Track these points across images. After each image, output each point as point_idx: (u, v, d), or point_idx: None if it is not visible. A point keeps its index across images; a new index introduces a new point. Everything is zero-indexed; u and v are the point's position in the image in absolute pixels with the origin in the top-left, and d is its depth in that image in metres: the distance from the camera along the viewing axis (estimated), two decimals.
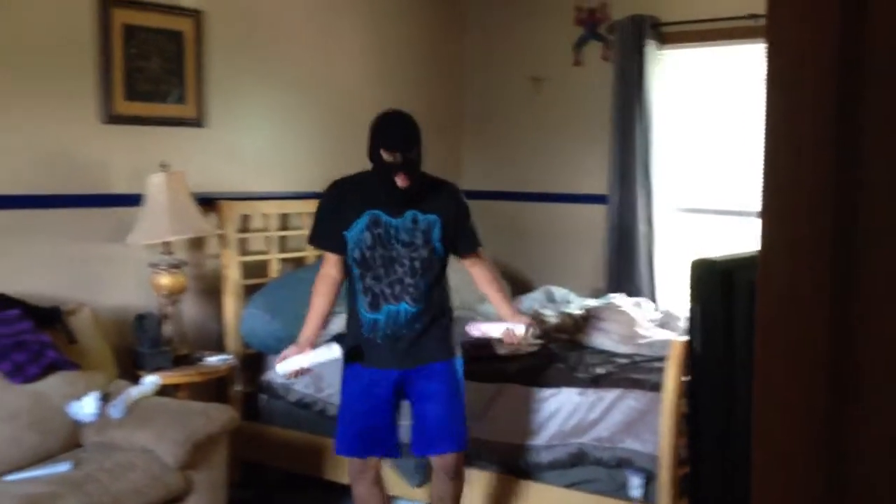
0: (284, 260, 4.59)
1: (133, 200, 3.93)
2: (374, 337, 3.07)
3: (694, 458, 1.27)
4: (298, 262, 4.67)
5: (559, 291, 4.73)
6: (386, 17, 5.33)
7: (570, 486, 3.40)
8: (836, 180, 0.70)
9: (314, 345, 3.07)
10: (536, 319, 4.21)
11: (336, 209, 3.08)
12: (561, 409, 3.48)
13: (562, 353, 3.85)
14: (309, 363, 3.01)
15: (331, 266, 3.13)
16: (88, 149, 3.96)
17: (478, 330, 3.24)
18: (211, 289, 4.32)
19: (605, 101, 5.09)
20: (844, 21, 0.70)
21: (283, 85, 4.73)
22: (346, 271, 3.12)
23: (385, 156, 2.93)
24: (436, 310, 3.11)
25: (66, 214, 3.89)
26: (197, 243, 4.28)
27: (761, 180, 0.73)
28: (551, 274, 5.29)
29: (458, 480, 3.21)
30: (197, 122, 4.34)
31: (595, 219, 5.25)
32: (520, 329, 3.12)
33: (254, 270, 4.42)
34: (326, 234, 3.12)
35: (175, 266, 3.95)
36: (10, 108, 3.68)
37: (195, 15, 4.32)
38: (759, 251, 0.76)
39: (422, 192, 3.03)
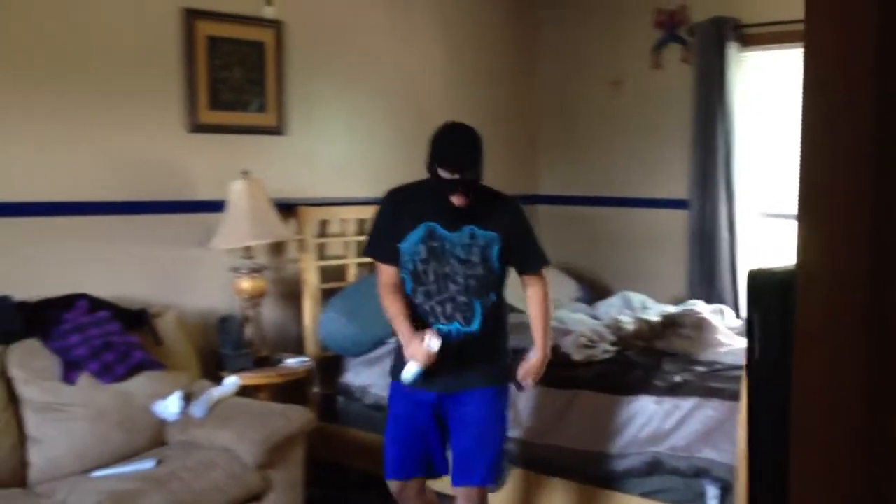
0: (361, 264, 4.66)
1: (216, 206, 4.05)
2: None
3: (752, 467, 1.26)
4: (375, 267, 4.71)
5: (637, 297, 4.68)
6: (461, 24, 5.37)
7: (646, 494, 3.36)
8: (874, 187, 0.69)
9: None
10: (613, 326, 4.19)
11: (392, 219, 2.94)
12: (637, 416, 3.44)
13: (638, 360, 3.81)
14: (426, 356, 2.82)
15: (389, 275, 2.97)
16: (174, 157, 4.10)
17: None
18: (290, 292, 4.41)
19: (685, 104, 5.02)
20: (881, 25, 0.69)
21: (361, 92, 4.81)
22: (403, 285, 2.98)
23: (443, 173, 2.78)
24: (490, 333, 2.95)
25: (154, 220, 4.03)
26: (277, 248, 4.38)
27: (798, 186, 0.73)
28: (630, 280, 5.24)
29: None
30: (277, 130, 4.45)
31: (675, 224, 5.18)
32: (523, 376, 3.09)
33: (332, 275, 4.50)
34: (382, 244, 2.97)
35: (256, 270, 4.05)
36: (102, 120, 3.83)
37: (276, 26, 4.42)
38: (797, 256, 0.76)
39: (480, 207, 2.88)
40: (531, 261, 3.04)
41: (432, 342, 2.80)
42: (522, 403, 3.67)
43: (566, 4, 5.68)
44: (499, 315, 3.00)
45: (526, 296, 3.10)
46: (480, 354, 2.94)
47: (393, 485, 3.06)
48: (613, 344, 3.98)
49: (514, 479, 3.67)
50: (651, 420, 3.39)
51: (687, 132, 5.02)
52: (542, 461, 3.59)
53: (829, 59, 0.71)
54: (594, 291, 5.20)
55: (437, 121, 5.10)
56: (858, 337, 0.70)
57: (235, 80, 4.32)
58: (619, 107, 5.46)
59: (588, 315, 4.60)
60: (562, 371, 3.75)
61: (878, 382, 0.69)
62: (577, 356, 3.83)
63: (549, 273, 5.05)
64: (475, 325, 2.90)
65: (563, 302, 4.86)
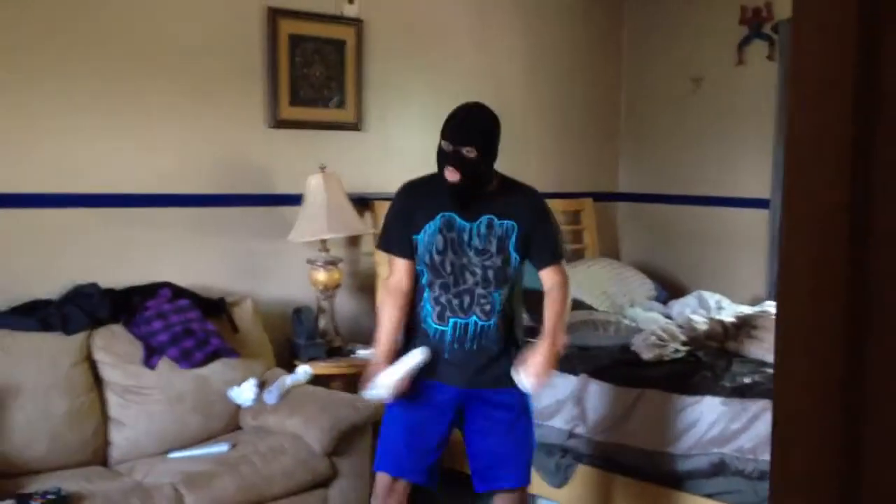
0: None
1: (295, 200, 4.17)
2: (441, 351, 2.80)
3: None
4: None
5: (712, 297, 4.62)
6: (543, 19, 5.37)
7: (710, 495, 3.33)
8: (852, 194, 0.74)
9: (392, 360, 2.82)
10: (686, 326, 4.15)
11: (408, 211, 2.83)
12: (703, 417, 3.41)
13: (709, 361, 3.77)
14: (399, 375, 2.74)
15: (401, 275, 2.85)
16: (255, 152, 4.23)
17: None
18: (364, 285, 4.51)
19: (769, 101, 4.93)
20: (860, 49, 0.74)
21: (438, 88, 4.86)
22: (417, 278, 2.86)
23: (442, 144, 2.72)
24: (508, 327, 2.84)
25: (235, 213, 4.17)
26: (352, 241, 4.48)
27: (784, 190, 0.79)
28: (707, 279, 5.17)
29: None
30: (355, 126, 4.55)
31: (756, 224, 5.09)
32: (523, 375, 2.75)
33: None
34: (397, 237, 2.85)
35: (331, 263, 4.15)
36: (188, 116, 3.99)
37: (357, 24, 4.52)
38: (780, 257, 0.81)
39: (500, 196, 2.79)
40: (548, 252, 2.85)
41: (414, 356, 2.75)
42: (588, 400, 3.68)
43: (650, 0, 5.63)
44: (516, 308, 2.89)
45: (545, 292, 2.90)
46: (500, 349, 2.82)
47: (381, 482, 2.89)
48: (685, 344, 3.95)
49: (578, 476, 3.69)
50: (717, 421, 3.36)
51: (769, 130, 4.92)
52: (606, 459, 3.59)
53: (816, 80, 0.77)
54: (670, 290, 5.14)
55: (516, 117, 5.18)
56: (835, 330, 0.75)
57: (316, 77, 4.43)
58: (700, 104, 5.39)
59: (661, 314, 4.56)
60: (630, 369, 3.74)
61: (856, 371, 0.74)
62: (647, 355, 3.82)
63: (624, 270, 5.07)
64: (493, 318, 2.78)
65: (637, 300, 4.84)
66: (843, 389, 0.83)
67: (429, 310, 2.82)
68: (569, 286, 2.92)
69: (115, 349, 3.50)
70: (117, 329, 3.55)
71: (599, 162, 5.78)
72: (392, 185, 4.65)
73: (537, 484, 3.78)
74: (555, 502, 3.86)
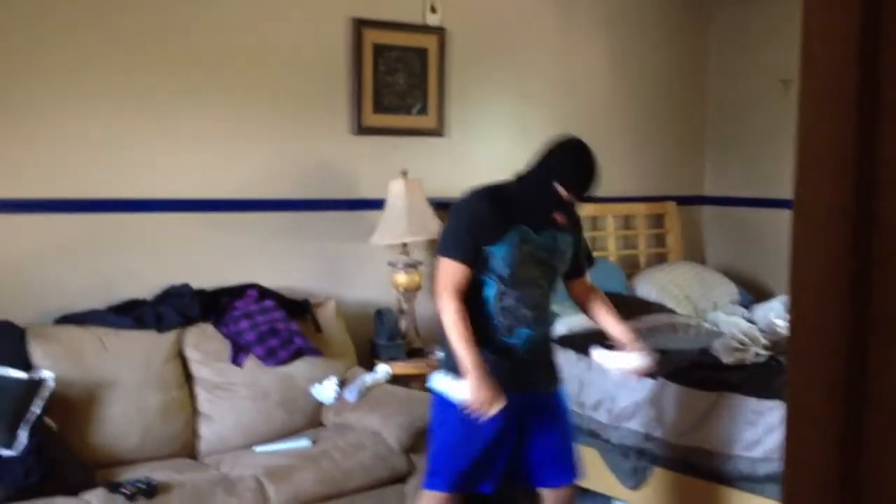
0: None
1: (378, 205, 4.28)
2: (506, 363, 2.80)
3: None
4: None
5: None
6: (627, 23, 5.37)
7: None
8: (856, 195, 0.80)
9: None
10: (768, 330, 4.10)
11: (487, 221, 2.77)
12: (782, 422, 3.37)
13: None
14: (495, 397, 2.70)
15: (464, 279, 2.76)
16: (340, 158, 4.36)
17: (602, 358, 3.05)
18: None
19: None
20: (862, 56, 0.80)
21: (520, 95, 4.92)
22: (474, 289, 2.78)
23: (561, 191, 2.72)
24: (551, 332, 3.03)
25: (319, 217, 4.31)
26: (432, 245, 4.55)
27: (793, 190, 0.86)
28: None
29: None
30: (437, 132, 4.64)
31: None
32: (635, 361, 2.94)
33: None
34: (472, 247, 2.76)
35: (411, 265, 4.24)
36: (277, 124, 4.15)
37: (439, 32, 4.61)
38: (790, 255, 0.86)
39: None
40: (586, 263, 3.08)
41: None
42: (666, 403, 3.67)
43: (738, 1, 5.56)
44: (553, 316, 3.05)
45: (585, 299, 3.06)
46: (551, 354, 2.98)
47: (440, 498, 2.86)
48: (766, 348, 3.90)
49: (654, 478, 3.68)
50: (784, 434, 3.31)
51: None
52: (682, 461, 3.58)
53: (821, 47, 0.84)
54: (755, 295, 5.07)
55: (599, 121, 5.20)
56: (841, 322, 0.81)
57: (399, 85, 4.54)
58: (789, 106, 5.29)
59: (744, 318, 4.51)
60: (709, 372, 3.72)
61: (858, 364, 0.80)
62: (727, 359, 3.78)
63: (707, 274, 5.02)
64: (545, 327, 2.94)
65: (720, 304, 4.79)
66: (848, 381, 0.87)
67: (497, 323, 2.80)
68: None
69: (204, 347, 3.67)
70: (207, 328, 3.72)
71: (684, 165, 5.74)
72: None
73: (613, 485, 3.80)
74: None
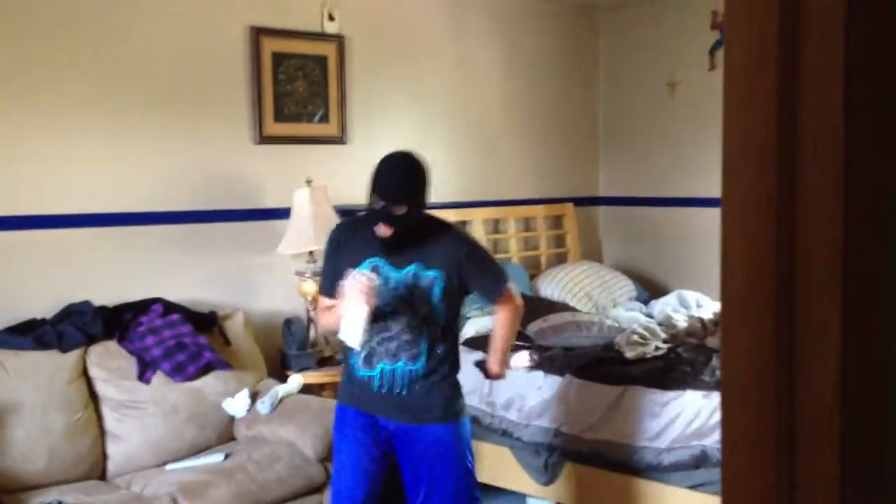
0: None
1: (283, 214, 4.26)
2: (369, 391, 2.79)
3: None
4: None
5: (692, 296, 4.73)
6: (520, 30, 5.49)
7: (693, 487, 3.43)
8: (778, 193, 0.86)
9: None
10: (666, 324, 4.26)
11: (336, 255, 2.82)
12: (684, 411, 3.51)
13: (689, 357, 3.88)
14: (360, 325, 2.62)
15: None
16: (242, 168, 4.32)
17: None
18: None
19: None
20: (781, 57, 0.86)
21: (420, 101, 4.97)
22: None
23: (372, 199, 2.69)
24: (441, 369, 2.79)
25: (223, 228, 4.25)
26: None
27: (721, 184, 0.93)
28: (687, 279, 5.28)
29: None
30: (339, 140, 4.64)
31: None
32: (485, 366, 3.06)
33: None
34: (329, 282, 2.81)
35: (319, 274, 4.23)
36: (174, 134, 4.08)
37: (338, 40, 4.62)
38: (721, 246, 0.93)
39: (425, 241, 2.75)
40: (491, 288, 2.89)
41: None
42: (573, 399, 3.78)
43: (625, 6, 5.75)
44: (452, 351, 2.85)
45: (495, 317, 3.02)
46: (436, 391, 2.79)
47: None
48: (665, 341, 4.05)
49: (565, 473, 3.78)
50: (699, 414, 3.45)
51: None
52: (592, 455, 3.69)
53: (744, 49, 0.90)
54: (652, 291, 5.26)
55: (496, 126, 5.29)
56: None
57: (299, 93, 4.52)
58: (675, 108, 5.51)
59: (643, 314, 4.67)
60: (613, 367, 3.84)
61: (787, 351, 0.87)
62: (629, 353, 3.92)
63: (605, 272, 5.17)
64: (420, 362, 2.74)
65: (619, 301, 4.95)
66: (777, 358, 0.94)
67: (354, 355, 2.79)
68: (520, 310, 2.96)
69: (109, 365, 3.58)
70: (111, 345, 3.63)
71: (579, 167, 5.90)
72: None
73: (526, 482, 3.88)
74: (543, 500, 3.95)
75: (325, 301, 2.87)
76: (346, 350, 2.82)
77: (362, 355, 2.77)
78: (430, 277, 2.74)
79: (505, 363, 3.03)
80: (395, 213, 2.67)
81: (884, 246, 0.89)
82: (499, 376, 3.07)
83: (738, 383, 0.97)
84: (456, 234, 2.86)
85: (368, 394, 2.80)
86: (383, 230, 2.68)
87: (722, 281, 1.01)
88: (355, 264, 2.74)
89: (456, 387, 2.87)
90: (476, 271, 2.82)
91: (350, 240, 2.82)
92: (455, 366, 2.87)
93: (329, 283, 2.82)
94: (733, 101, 0.99)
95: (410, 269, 2.74)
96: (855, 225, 0.87)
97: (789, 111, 0.93)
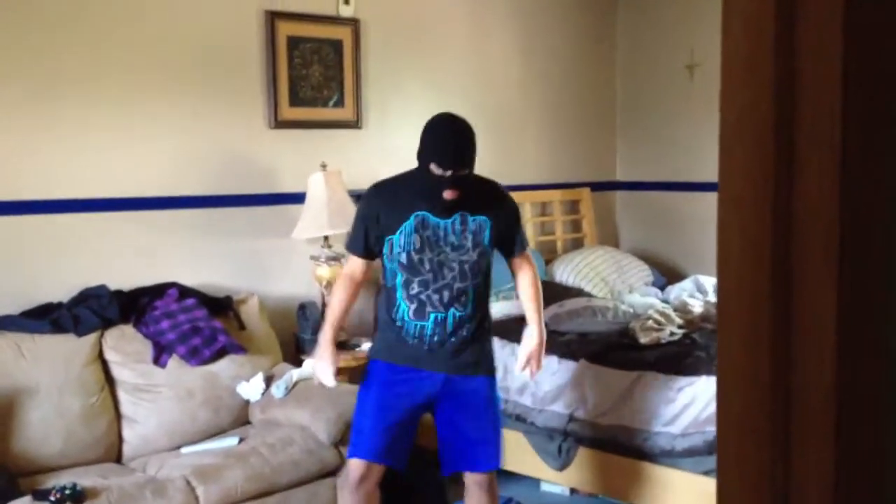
0: None
1: (298, 198, 4.26)
2: (420, 344, 2.91)
3: None
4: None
5: (709, 281, 4.69)
6: (537, 12, 5.45)
7: (707, 473, 3.41)
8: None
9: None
10: (681, 309, 4.24)
11: (376, 214, 2.91)
12: (698, 397, 3.49)
13: (704, 342, 3.85)
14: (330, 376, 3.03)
15: (357, 266, 3.02)
16: (258, 152, 4.33)
17: None
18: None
19: None
20: (778, 42, 0.85)
21: (436, 85, 4.95)
22: (385, 277, 2.98)
23: (435, 170, 2.77)
24: (482, 316, 2.98)
25: (239, 213, 4.26)
26: None
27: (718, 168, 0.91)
28: (705, 264, 5.24)
29: (493, 498, 3.05)
30: (355, 124, 4.64)
31: None
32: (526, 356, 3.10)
33: None
34: (368, 238, 2.94)
35: (334, 258, 4.24)
36: (191, 119, 4.09)
37: (353, 24, 4.60)
38: (717, 230, 0.92)
39: (469, 193, 2.85)
40: (519, 243, 3.08)
41: (326, 377, 3.02)
42: (588, 384, 3.76)
43: None
44: (488, 299, 3.05)
45: (516, 278, 3.16)
46: (478, 339, 2.96)
47: (359, 465, 2.97)
48: (681, 327, 4.03)
49: (579, 458, 3.77)
50: (713, 400, 3.43)
51: None
52: (606, 440, 3.68)
53: (739, 33, 0.90)
54: (669, 276, 5.22)
55: (513, 111, 5.27)
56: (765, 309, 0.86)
57: (314, 77, 4.52)
58: (694, 91, 5.46)
59: (659, 299, 4.64)
60: (628, 353, 3.82)
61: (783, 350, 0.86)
62: (644, 338, 3.90)
63: (622, 257, 5.15)
64: (470, 309, 2.91)
65: (635, 286, 4.92)
66: (772, 344, 0.93)
67: (405, 307, 2.90)
68: (536, 272, 3.17)
69: (125, 349, 3.60)
70: (127, 329, 3.65)
71: (596, 152, 5.86)
72: None
73: (540, 467, 3.88)
74: (557, 485, 3.95)
75: (353, 259, 3.03)
76: (391, 305, 2.94)
77: (413, 308, 2.89)
78: (480, 221, 2.91)
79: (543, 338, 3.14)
80: (461, 176, 2.78)
81: (881, 230, 0.87)
82: (540, 356, 3.13)
83: (733, 369, 0.97)
84: (499, 187, 3.08)
85: (419, 347, 2.91)
86: (451, 194, 2.80)
87: (718, 266, 1.00)
88: (402, 221, 2.87)
89: (491, 341, 3.06)
90: (512, 225, 3.04)
91: (395, 197, 2.92)
92: (490, 321, 3.07)
93: (370, 241, 2.95)
94: (730, 84, 0.98)
95: (457, 216, 2.88)
96: (852, 208, 0.86)
97: (786, 94, 0.92)
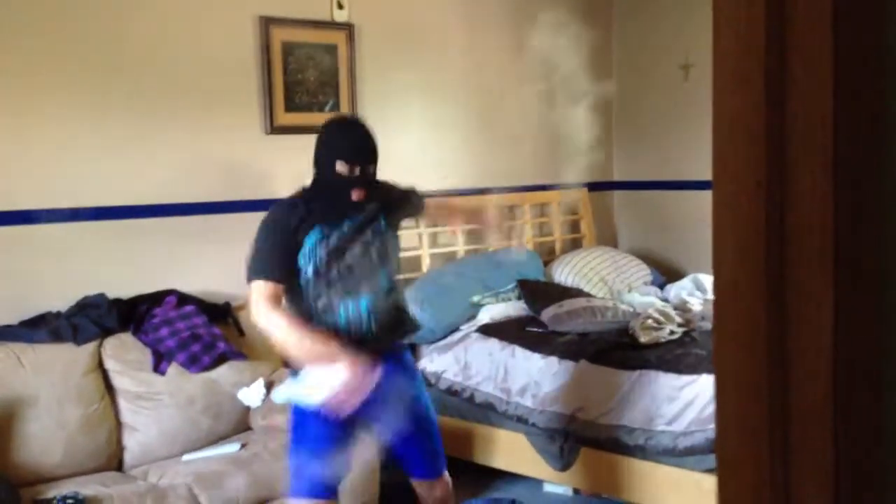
0: (434, 255, 4.82)
1: None
2: (362, 335, 2.76)
3: None
4: (450, 257, 4.89)
5: (708, 279, 4.70)
6: (529, 14, 5.44)
7: (710, 471, 3.41)
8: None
9: None
10: (681, 307, 4.24)
11: (286, 234, 2.72)
12: (699, 395, 3.49)
13: (703, 341, 3.86)
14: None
15: (270, 291, 2.67)
16: (255, 158, 4.33)
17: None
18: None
19: None
20: (769, 43, 0.86)
21: (432, 89, 4.95)
22: (290, 293, 2.76)
23: (340, 168, 2.67)
24: (397, 298, 2.91)
25: (236, 219, 4.25)
26: None
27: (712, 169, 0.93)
28: (704, 263, 5.24)
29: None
30: None
31: None
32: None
33: (406, 266, 4.65)
34: (279, 262, 2.71)
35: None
36: (186, 125, 4.09)
37: (347, 28, 4.61)
38: (713, 230, 0.93)
39: (375, 195, 2.80)
40: (413, 197, 3.07)
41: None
42: (589, 384, 3.77)
43: None
44: (397, 279, 2.95)
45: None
46: (399, 309, 2.91)
47: None
48: (680, 325, 4.03)
49: (581, 458, 3.77)
50: (713, 398, 3.43)
51: None
52: (607, 440, 3.68)
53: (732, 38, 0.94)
54: (668, 275, 5.23)
55: (509, 113, 5.26)
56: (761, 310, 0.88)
57: (310, 82, 4.52)
58: (689, 91, 5.46)
59: (658, 298, 4.64)
60: (628, 352, 3.83)
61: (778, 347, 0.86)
62: (643, 337, 3.90)
63: (620, 257, 5.15)
64: (385, 284, 2.82)
65: (634, 286, 4.92)
66: (769, 343, 0.93)
67: (340, 307, 2.74)
68: None
69: (124, 357, 3.60)
70: (126, 337, 3.65)
71: (594, 152, 5.85)
72: None
73: (542, 468, 3.88)
74: (560, 485, 3.95)
75: (268, 287, 2.67)
76: (321, 313, 2.74)
77: (341, 307, 2.73)
78: (371, 210, 2.81)
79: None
80: (368, 173, 2.72)
81: (874, 230, 0.88)
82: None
83: (730, 368, 0.97)
84: (386, 181, 2.95)
85: (363, 338, 2.73)
86: (359, 195, 2.72)
87: (714, 267, 1.00)
88: (304, 236, 2.71)
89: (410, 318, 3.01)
90: (400, 194, 3.00)
91: (293, 216, 2.73)
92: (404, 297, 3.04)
93: (277, 263, 2.70)
94: (722, 87, 0.99)
95: (353, 218, 2.77)
96: (845, 209, 0.86)
97: (778, 97, 0.92)
